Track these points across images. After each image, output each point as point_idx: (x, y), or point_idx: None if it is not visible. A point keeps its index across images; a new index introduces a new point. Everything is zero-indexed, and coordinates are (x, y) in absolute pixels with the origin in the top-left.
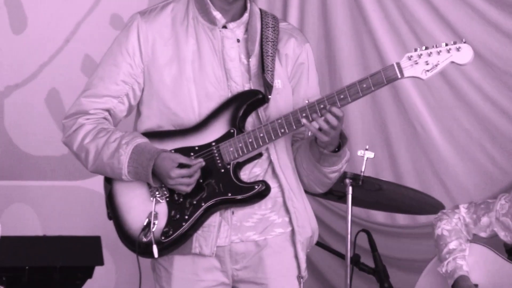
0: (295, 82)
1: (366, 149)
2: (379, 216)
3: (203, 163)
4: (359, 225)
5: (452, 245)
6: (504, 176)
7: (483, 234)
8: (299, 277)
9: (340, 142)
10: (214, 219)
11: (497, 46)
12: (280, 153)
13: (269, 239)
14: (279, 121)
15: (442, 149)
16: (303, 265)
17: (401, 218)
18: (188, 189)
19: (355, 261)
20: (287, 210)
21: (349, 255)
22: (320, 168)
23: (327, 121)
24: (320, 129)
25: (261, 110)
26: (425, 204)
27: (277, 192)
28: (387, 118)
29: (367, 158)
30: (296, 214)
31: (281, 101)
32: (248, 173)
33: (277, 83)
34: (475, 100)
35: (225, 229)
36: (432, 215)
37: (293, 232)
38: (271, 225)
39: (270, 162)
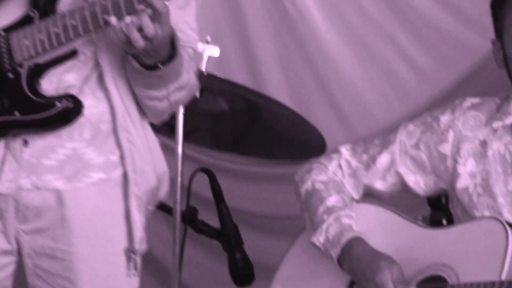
0: None
1: (207, 42)
2: None
3: None
4: (196, 162)
5: (332, 201)
6: (426, 86)
7: (380, 185)
8: (129, 251)
9: (171, 54)
10: None
11: None
12: (114, 55)
13: (80, 188)
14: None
15: (330, 44)
16: (138, 232)
17: None
18: None
19: (190, 218)
20: (117, 144)
21: (178, 208)
22: (133, 86)
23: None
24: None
25: None
26: (298, 134)
27: (102, 115)
28: None
29: (208, 57)
30: (131, 152)
31: None
32: (57, 82)
33: None
34: None
35: (11, 168)
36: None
37: (125, 179)
38: (85, 167)
39: (97, 67)
